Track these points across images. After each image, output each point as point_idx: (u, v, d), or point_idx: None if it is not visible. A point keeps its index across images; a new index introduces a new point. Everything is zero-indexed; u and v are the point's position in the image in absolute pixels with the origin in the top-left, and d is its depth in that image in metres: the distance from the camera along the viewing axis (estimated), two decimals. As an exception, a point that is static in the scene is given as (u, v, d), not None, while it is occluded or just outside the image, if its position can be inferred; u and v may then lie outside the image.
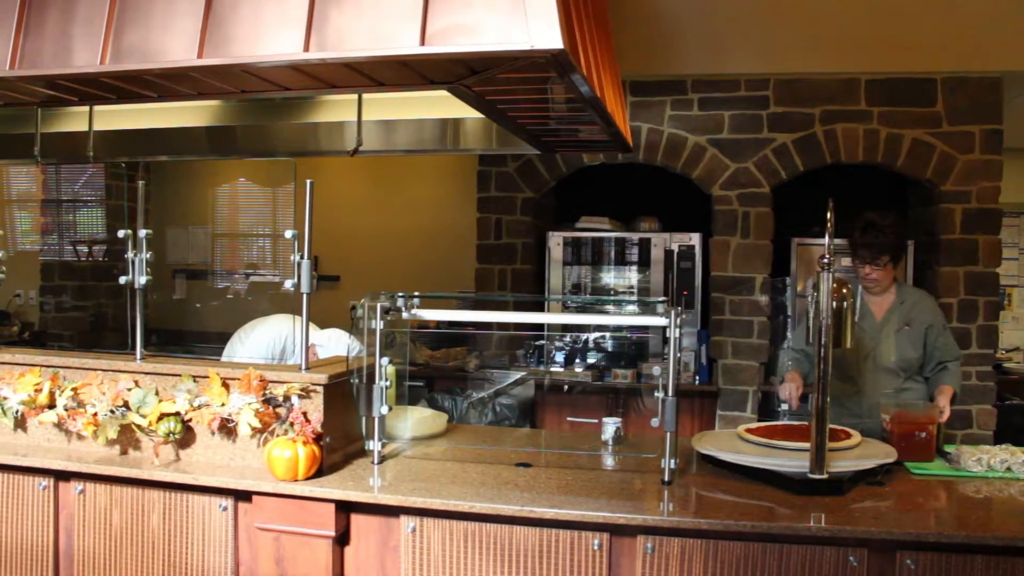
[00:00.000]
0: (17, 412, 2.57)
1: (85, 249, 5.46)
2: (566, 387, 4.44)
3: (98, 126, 3.63)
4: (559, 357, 4.61)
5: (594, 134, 3.03)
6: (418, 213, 5.38)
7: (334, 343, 3.20)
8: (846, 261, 4.33)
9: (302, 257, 2.41)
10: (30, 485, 2.51)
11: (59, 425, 2.55)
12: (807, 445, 2.37)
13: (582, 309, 4.55)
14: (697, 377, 4.44)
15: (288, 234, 2.41)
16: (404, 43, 1.90)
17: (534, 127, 2.87)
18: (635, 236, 4.61)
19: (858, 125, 4.34)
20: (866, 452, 2.43)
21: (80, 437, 2.54)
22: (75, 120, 3.71)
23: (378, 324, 2.44)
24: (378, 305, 2.44)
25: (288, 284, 2.41)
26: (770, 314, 4.46)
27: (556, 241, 4.59)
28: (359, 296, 2.56)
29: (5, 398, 2.59)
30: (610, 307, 4.31)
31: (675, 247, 4.47)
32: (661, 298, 2.48)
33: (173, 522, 2.38)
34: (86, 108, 3.47)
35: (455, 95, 2.31)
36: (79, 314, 5.23)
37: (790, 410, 2.90)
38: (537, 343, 4.48)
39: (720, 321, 4.48)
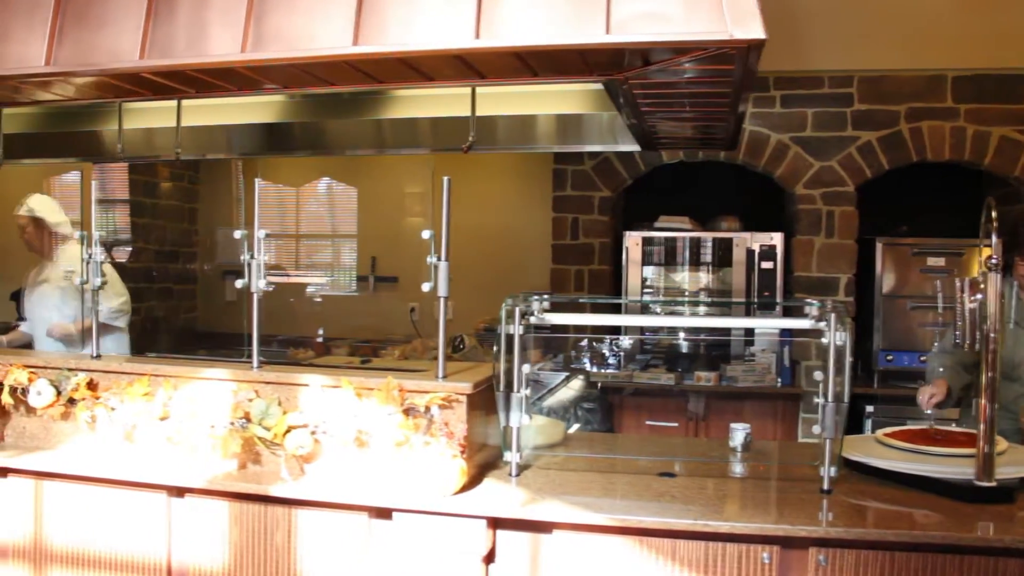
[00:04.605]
0: (128, 424, 2.43)
1: (128, 250, 5.29)
2: (640, 390, 4.32)
3: (158, 123, 3.47)
4: (626, 359, 4.49)
5: (709, 132, 2.91)
6: (484, 212, 5.18)
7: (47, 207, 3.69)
8: (932, 261, 4.27)
9: (439, 258, 2.27)
10: (144, 501, 2.36)
11: (171, 438, 2.41)
12: (958, 451, 2.28)
13: (655, 310, 4.42)
14: (779, 379, 4.33)
15: (425, 234, 2.27)
16: (588, 31, 1.78)
17: (659, 122, 2.74)
18: (715, 236, 4.49)
19: (944, 123, 4.25)
20: (1015, 458, 2.33)
21: (192, 449, 2.40)
22: (139, 117, 3.53)
23: (516, 329, 2.31)
24: (517, 309, 2.32)
25: (425, 287, 2.29)
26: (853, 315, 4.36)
27: (634, 241, 4.46)
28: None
29: (113, 408, 2.45)
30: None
31: (756, 247, 4.35)
32: (811, 300, 2.36)
33: (300, 541, 2.24)
34: (161, 103, 3.29)
35: (608, 87, 2.19)
36: (132, 317, 5.03)
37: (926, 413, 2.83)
38: (612, 346, 4.36)
39: (801, 323, 4.36)
